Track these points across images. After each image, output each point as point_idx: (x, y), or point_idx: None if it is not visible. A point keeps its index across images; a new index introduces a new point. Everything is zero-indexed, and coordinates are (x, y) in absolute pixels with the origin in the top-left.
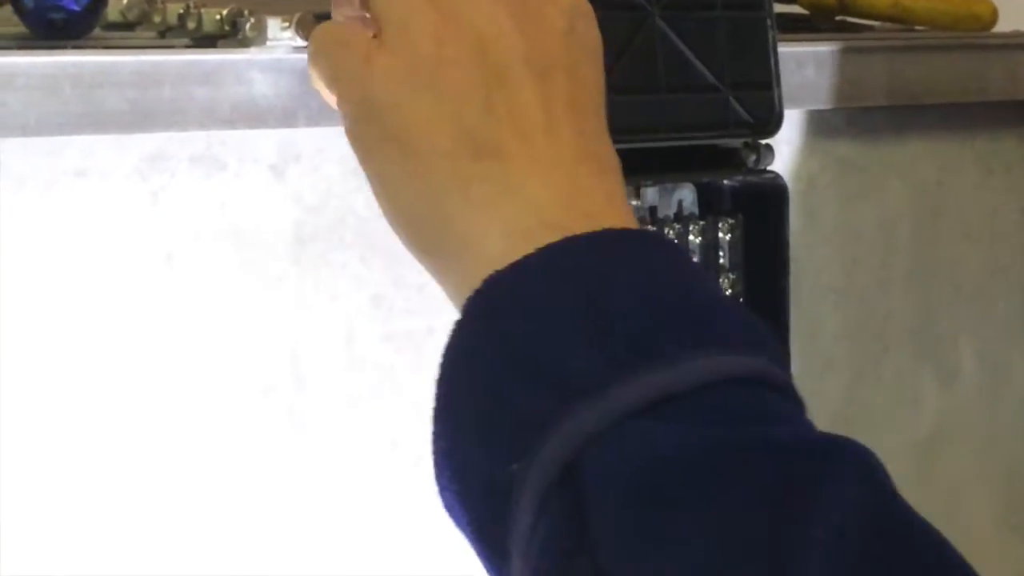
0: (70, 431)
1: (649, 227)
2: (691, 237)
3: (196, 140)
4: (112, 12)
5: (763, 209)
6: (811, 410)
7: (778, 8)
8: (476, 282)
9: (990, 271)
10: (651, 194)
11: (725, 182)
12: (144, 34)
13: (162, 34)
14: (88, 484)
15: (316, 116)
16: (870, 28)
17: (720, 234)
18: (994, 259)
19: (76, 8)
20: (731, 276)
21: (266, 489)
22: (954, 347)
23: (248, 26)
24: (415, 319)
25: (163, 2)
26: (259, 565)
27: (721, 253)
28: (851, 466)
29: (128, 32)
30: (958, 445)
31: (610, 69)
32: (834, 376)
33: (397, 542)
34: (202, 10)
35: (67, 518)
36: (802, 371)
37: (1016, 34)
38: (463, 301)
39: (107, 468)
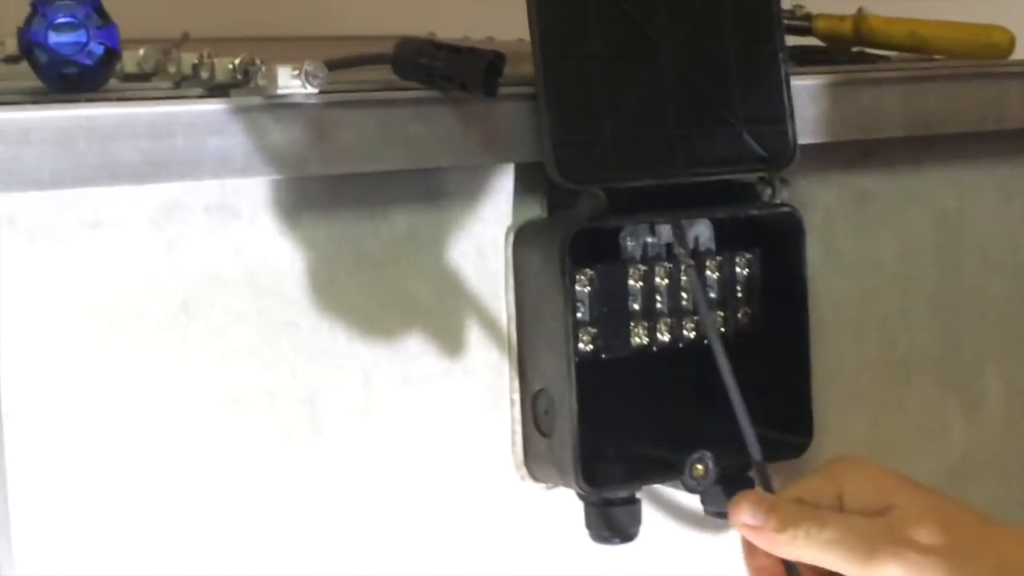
0: (85, 480)
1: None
2: (708, 272)
3: (210, 189)
4: (129, 63)
5: (780, 243)
6: (835, 444)
7: (795, 40)
8: None
9: (1013, 298)
10: (667, 230)
11: (741, 217)
12: (160, 84)
13: (177, 84)
14: (102, 530)
15: (328, 162)
16: (887, 59)
17: (737, 268)
18: (1017, 286)
19: (89, 62)
20: (749, 311)
21: (287, 537)
22: (979, 375)
23: (259, 75)
24: (432, 362)
25: (178, 52)
26: None
27: (739, 288)
28: None
29: (145, 83)
30: (986, 473)
31: (623, 105)
32: (858, 409)
33: None
34: (215, 60)
35: (82, 566)
36: (824, 405)
37: None
38: None
39: (125, 519)
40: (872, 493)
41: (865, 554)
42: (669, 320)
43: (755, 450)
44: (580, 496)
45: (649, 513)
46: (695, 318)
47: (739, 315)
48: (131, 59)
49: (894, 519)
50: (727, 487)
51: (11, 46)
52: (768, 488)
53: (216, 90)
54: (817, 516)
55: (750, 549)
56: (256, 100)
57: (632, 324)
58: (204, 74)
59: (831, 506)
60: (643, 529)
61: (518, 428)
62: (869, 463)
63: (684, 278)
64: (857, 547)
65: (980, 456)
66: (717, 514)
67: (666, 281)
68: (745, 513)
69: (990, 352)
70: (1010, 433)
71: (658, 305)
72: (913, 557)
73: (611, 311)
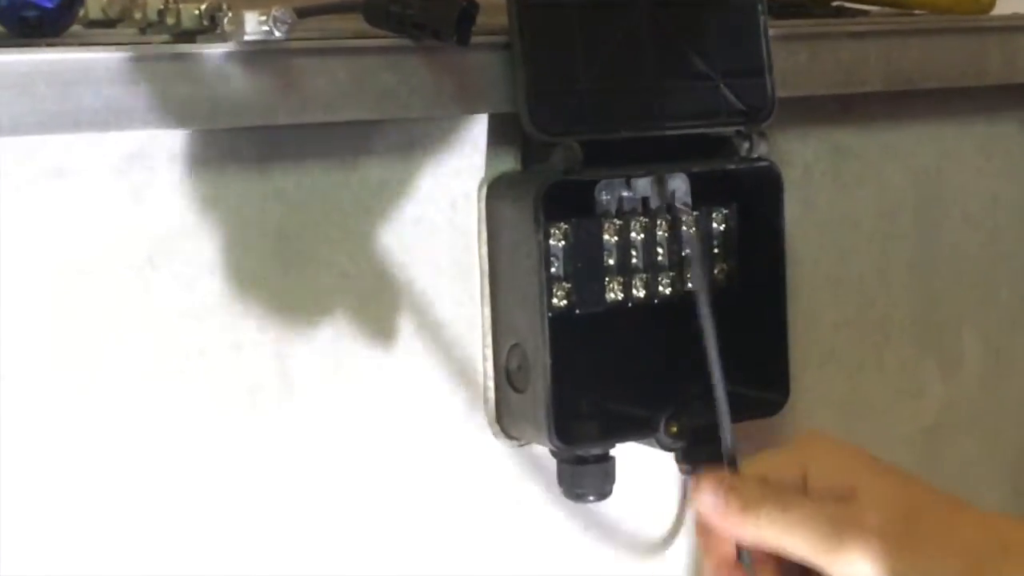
0: (49, 433)
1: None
2: (684, 228)
3: (176, 137)
4: (93, 9)
5: (757, 198)
6: (811, 403)
7: None
8: None
9: (992, 257)
10: (643, 184)
11: (718, 171)
12: (125, 30)
13: (143, 30)
14: (67, 484)
15: (297, 111)
16: (866, 14)
17: (714, 224)
18: (996, 245)
19: (50, 6)
20: (725, 267)
21: (253, 490)
22: (957, 335)
23: (226, 21)
24: (404, 316)
25: None
26: (244, 563)
27: (715, 243)
28: None
29: (110, 29)
30: (964, 433)
31: (599, 56)
32: (835, 368)
33: (384, 538)
34: (181, 5)
35: (46, 518)
36: (801, 363)
37: (1015, 17)
38: None
39: (89, 470)
40: (837, 473)
41: (830, 540)
42: (644, 276)
43: (726, 435)
44: (553, 453)
45: (623, 471)
46: (671, 274)
47: (715, 271)
48: (95, 5)
49: (861, 505)
50: (701, 446)
51: None
52: (733, 463)
53: (182, 36)
54: (780, 499)
55: (705, 530)
56: (223, 47)
57: (607, 279)
58: (170, 20)
59: (795, 485)
60: (617, 487)
61: (491, 384)
62: (835, 441)
63: (659, 233)
64: (822, 532)
65: (957, 416)
66: (690, 473)
67: (641, 236)
68: (707, 497)
69: (968, 311)
70: (987, 393)
71: (633, 260)
72: (879, 545)
73: (586, 266)
